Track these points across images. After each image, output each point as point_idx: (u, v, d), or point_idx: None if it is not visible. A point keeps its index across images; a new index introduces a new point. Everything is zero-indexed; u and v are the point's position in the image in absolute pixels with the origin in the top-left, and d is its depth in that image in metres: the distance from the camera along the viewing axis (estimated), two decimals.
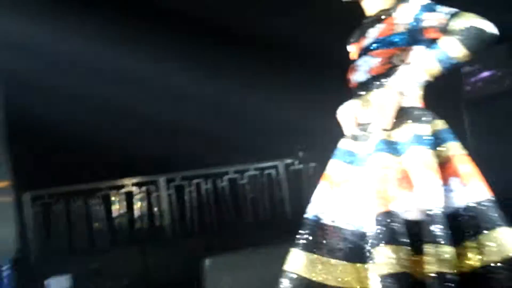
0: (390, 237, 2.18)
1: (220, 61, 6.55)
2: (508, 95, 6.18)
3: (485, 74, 6.60)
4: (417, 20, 2.39)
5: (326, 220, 2.39)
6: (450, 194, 2.26)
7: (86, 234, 6.49)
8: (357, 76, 2.49)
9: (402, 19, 2.42)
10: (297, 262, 2.36)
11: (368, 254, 2.25)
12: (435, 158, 2.27)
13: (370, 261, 2.23)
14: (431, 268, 2.13)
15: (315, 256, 2.35)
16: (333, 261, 2.33)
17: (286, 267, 2.38)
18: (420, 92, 2.39)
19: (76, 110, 6.14)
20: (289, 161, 6.93)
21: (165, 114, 6.51)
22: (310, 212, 2.42)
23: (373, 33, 2.50)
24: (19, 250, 5.70)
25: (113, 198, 6.64)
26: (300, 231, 2.41)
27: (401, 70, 2.37)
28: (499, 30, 2.36)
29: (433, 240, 2.15)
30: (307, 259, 2.35)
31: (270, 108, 6.29)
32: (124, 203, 6.64)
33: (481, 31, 2.27)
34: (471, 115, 6.75)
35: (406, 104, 2.36)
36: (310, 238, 2.37)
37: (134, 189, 6.69)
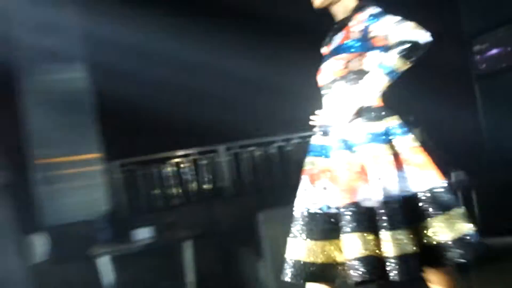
0: (355, 225, 2.23)
1: (276, 48, 6.60)
2: None
3: (495, 50, 6.75)
4: (366, 29, 2.40)
5: (313, 209, 2.40)
6: (405, 182, 2.29)
7: (162, 194, 6.86)
8: (322, 77, 2.54)
9: (356, 27, 2.43)
10: (297, 249, 2.38)
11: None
12: (389, 151, 2.30)
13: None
14: (391, 250, 2.18)
15: (313, 242, 2.36)
16: (319, 242, 2.36)
17: (287, 255, 2.40)
18: (378, 93, 2.38)
19: (152, 93, 6.20)
20: None
21: (226, 95, 6.70)
22: (299, 206, 2.45)
23: (337, 39, 2.52)
24: (110, 208, 5.94)
25: (182, 165, 7.00)
26: (294, 223, 2.44)
27: (359, 74, 2.39)
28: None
29: (390, 225, 2.20)
30: (305, 246, 2.37)
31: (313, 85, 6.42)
32: (192, 168, 7.01)
33: (414, 44, 2.26)
34: (481, 89, 6.86)
35: (363, 104, 2.37)
36: (304, 227, 2.39)
37: (200, 156, 7.02)
